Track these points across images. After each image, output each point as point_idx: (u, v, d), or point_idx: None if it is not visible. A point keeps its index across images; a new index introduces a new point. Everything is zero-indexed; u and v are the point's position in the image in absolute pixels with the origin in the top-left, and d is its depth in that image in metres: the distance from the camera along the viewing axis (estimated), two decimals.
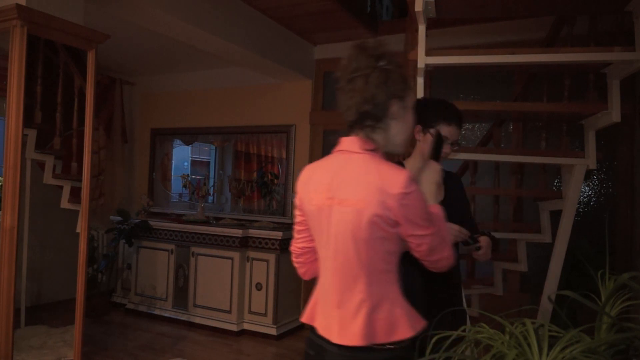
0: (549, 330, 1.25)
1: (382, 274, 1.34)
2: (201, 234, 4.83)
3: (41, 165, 4.35)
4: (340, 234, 1.33)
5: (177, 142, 6.24)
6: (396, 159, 1.85)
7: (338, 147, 1.43)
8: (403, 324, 1.35)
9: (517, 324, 1.28)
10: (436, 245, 1.35)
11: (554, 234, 2.79)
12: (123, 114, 5.97)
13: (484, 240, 1.90)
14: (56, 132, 4.17)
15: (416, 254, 1.38)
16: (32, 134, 4.09)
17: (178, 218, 5.35)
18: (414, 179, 1.30)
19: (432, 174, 1.54)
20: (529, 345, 1.18)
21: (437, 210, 1.43)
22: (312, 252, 1.51)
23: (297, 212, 1.52)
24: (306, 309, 1.50)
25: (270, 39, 4.35)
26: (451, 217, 1.92)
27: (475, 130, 4.34)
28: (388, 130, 1.35)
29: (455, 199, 2.01)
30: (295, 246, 1.55)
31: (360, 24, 4.32)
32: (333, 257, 1.37)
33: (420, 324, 1.38)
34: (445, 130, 1.80)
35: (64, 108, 4.11)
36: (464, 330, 1.33)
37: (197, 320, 4.78)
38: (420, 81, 2.47)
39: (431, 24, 2.47)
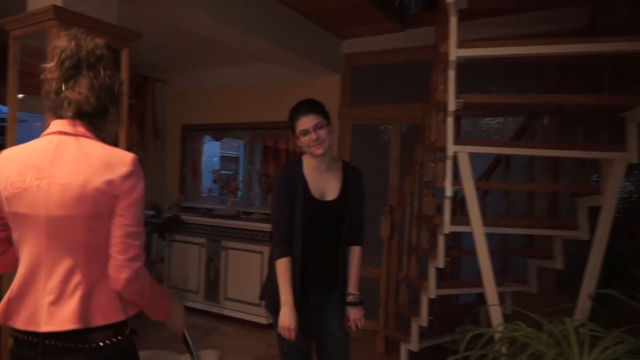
0: (589, 330, 1.21)
1: (102, 258, 1.30)
2: (231, 228, 4.89)
3: None
4: (51, 214, 1.26)
5: (207, 138, 6.32)
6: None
7: (47, 131, 1.35)
8: (116, 306, 1.30)
9: (556, 323, 1.25)
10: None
11: (591, 231, 2.71)
12: (155, 111, 6.08)
13: (350, 312, 2.13)
14: None
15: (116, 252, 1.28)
16: None
17: (209, 212, 5.43)
18: (139, 167, 1.34)
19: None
20: (568, 344, 1.15)
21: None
22: (6, 243, 1.41)
23: None
24: None
25: (298, 34, 4.35)
26: (347, 212, 2.12)
27: (508, 124, 4.25)
28: (104, 129, 1.38)
29: (352, 195, 2.15)
30: None
31: (389, 17, 4.27)
32: (43, 242, 1.31)
33: (134, 308, 1.35)
34: (299, 124, 2.03)
35: None
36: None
37: (228, 313, 4.85)
38: (451, 74, 2.42)
39: (462, 16, 2.42)
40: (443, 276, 3.53)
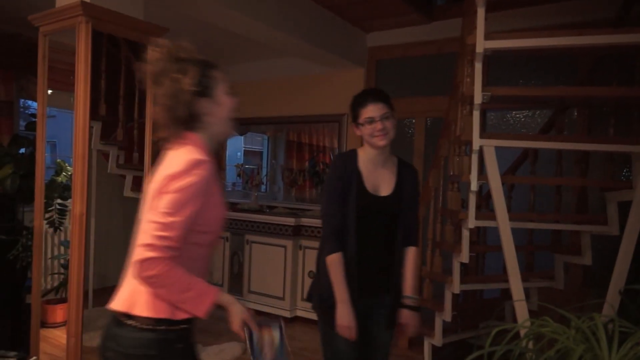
0: (619, 326, 1.18)
1: None
2: (255, 222, 4.93)
3: (105, 156, 4.56)
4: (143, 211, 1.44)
5: None
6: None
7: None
8: (148, 304, 1.37)
9: (585, 319, 1.23)
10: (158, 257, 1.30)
11: (621, 226, 2.64)
12: None
13: (406, 316, 2.01)
14: (119, 123, 4.36)
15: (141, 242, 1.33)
16: (97, 126, 4.29)
17: (233, 206, 5.48)
18: (201, 168, 1.35)
19: None
20: (597, 340, 1.13)
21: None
22: None
23: None
24: None
25: (322, 27, 4.33)
26: (401, 210, 2.03)
27: (535, 117, 4.17)
28: (206, 125, 1.46)
29: (407, 193, 2.06)
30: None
31: (414, 9, 4.22)
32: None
33: (165, 313, 1.38)
34: (366, 112, 1.95)
35: (125, 101, 4.29)
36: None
37: (252, 306, 4.89)
38: (478, 66, 2.39)
39: (489, 7, 2.37)
40: (467, 271, 3.50)
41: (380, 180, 2.02)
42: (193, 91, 1.40)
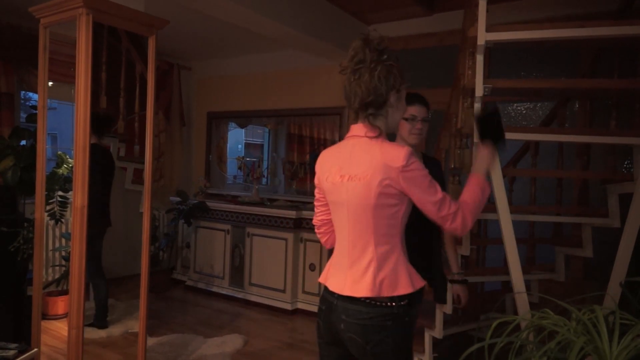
0: (620, 318, 1.18)
1: (387, 237, 1.56)
2: (256, 215, 4.94)
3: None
4: (352, 204, 1.57)
5: (232, 125, 6.36)
6: None
7: (348, 134, 1.65)
8: (404, 281, 1.56)
9: (585, 311, 1.23)
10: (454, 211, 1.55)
11: (622, 219, 2.64)
12: (181, 98, 6.15)
13: (457, 289, 2.43)
14: (119, 116, 4.36)
15: (436, 219, 1.58)
16: None
17: (234, 199, 5.49)
18: (413, 154, 1.52)
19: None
20: (598, 332, 1.13)
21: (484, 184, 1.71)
22: (330, 224, 1.78)
23: (316, 191, 1.79)
24: (323, 272, 1.75)
25: (323, 19, 4.31)
26: None
27: (537, 110, 4.16)
28: (387, 117, 1.61)
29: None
30: (316, 219, 1.84)
31: (415, 1, 4.20)
32: (347, 225, 1.60)
33: (419, 283, 1.60)
34: (412, 109, 2.12)
35: (126, 93, 4.28)
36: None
37: (253, 299, 4.91)
38: (479, 59, 2.37)
39: None
40: (468, 264, 3.50)
41: None
42: (398, 81, 1.57)
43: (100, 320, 4.00)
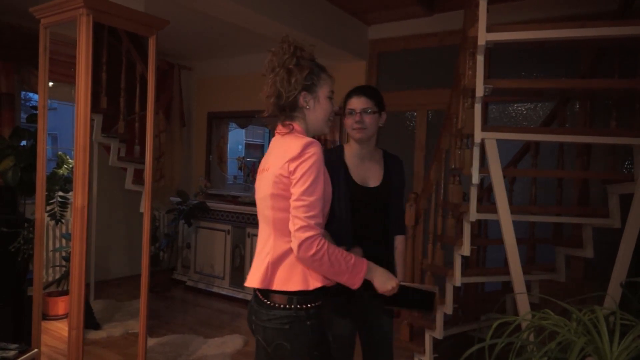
0: (620, 319, 1.18)
1: (288, 233, 1.51)
2: (256, 215, 4.92)
3: (106, 149, 4.56)
4: (260, 195, 1.63)
5: (232, 125, 6.36)
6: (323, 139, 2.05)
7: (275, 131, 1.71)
8: (297, 278, 1.52)
9: (586, 311, 1.23)
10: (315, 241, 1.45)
11: (623, 219, 2.64)
12: (181, 99, 6.14)
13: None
14: (120, 116, 4.36)
15: (291, 222, 1.49)
16: (99, 118, 4.29)
17: (234, 200, 5.49)
18: (313, 147, 1.51)
19: None
20: (598, 333, 1.13)
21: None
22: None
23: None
24: None
25: (324, 20, 4.32)
26: (390, 201, 2.10)
27: (537, 110, 4.15)
28: (305, 118, 1.64)
29: (394, 183, 2.13)
30: None
31: (416, 1, 4.20)
32: (259, 217, 1.67)
33: (316, 284, 1.53)
34: (349, 103, 2.05)
35: (126, 93, 4.28)
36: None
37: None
38: (480, 59, 2.37)
39: None
40: (469, 264, 3.50)
41: (367, 172, 2.10)
42: (301, 84, 1.59)
43: (87, 319, 3.98)
